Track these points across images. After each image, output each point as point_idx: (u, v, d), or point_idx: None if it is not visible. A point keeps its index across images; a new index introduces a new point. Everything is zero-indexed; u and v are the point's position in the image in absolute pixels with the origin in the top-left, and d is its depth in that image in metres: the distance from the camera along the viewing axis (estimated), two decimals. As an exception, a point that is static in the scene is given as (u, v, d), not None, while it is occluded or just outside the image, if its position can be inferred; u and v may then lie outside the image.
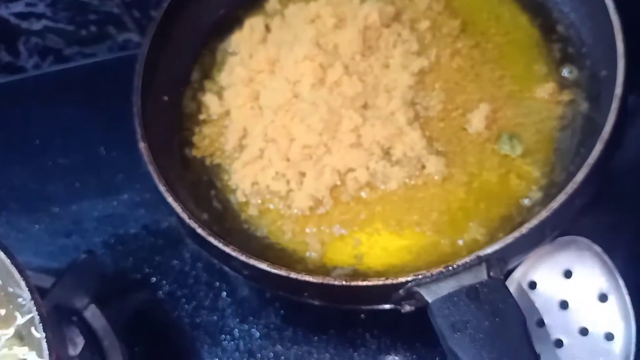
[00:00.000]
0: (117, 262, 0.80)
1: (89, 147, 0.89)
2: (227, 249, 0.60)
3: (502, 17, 0.76)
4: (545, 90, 0.70)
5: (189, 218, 0.62)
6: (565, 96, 0.70)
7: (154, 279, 0.78)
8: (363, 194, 0.68)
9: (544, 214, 0.56)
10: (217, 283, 0.77)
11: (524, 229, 0.56)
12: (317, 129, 0.68)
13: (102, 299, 0.70)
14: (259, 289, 0.74)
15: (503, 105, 0.70)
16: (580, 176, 0.57)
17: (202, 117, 0.77)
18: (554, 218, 0.57)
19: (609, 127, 0.59)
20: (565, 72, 0.72)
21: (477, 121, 0.69)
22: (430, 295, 0.55)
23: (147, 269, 0.79)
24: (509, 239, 0.56)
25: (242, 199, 0.71)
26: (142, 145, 0.66)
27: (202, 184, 0.73)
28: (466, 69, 0.72)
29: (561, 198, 0.56)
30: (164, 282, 0.78)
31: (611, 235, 0.64)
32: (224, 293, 0.76)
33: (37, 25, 0.97)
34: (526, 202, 0.65)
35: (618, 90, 0.61)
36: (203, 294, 0.76)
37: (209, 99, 0.76)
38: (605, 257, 0.60)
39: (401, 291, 0.57)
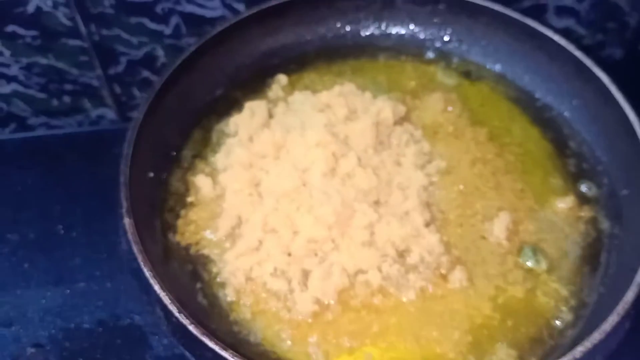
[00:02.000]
0: (63, 363, 0.66)
1: (45, 223, 0.77)
2: (225, 354, 0.49)
3: (514, 128, 0.74)
4: (565, 204, 0.67)
5: (179, 312, 0.52)
6: (586, 212, 0.67)
7: (106, 387, 0.65)
8: (375, 301, 0.59)
9: (597, 336, 0.49)
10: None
11: (578, 353, 0.49)
12: (327, 222, 0.61)
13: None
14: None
15: (524, 217, 0.66)
16: (630, 296, 0.51)
17: (190, 199, 0.68)
18: (606, 342, 0.50)
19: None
20: (583, 188, 0.69)
21: (497, 230, 0.64)
22: None
23: (100, 374, 0.66)
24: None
25: (233, 296, 0.61)
26: (126, 221, 0.56)
27: (185, 275, 0.63)
28: (487, 175, 0.68)
29: (613, 319, 0.50)
30: (119, 392, 0.65)
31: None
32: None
33: (4, 89, 0.88)
34: (558, 323, 0.59)
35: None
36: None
37: (201, 181, 0.68)
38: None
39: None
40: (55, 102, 0.90)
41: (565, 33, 0.73)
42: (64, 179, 0.82)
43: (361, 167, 0.64)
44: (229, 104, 0.76)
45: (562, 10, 0.84)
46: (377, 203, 0.64)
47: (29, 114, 0.91)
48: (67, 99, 0.90)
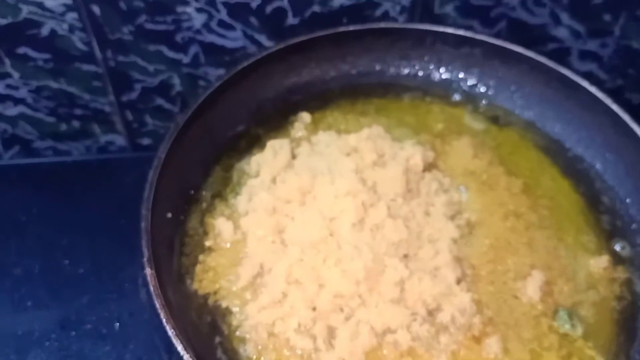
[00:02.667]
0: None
1: (50, 257, 0.74)
2: None
3: (544, 179, 0.72)
4: (599, 264, 0.64)
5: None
6: (621, 273, 0.64)
7: None
8: (405, 364, 0.56)
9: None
10: None
11: None
12: (355, 277, 0.58)
13: None
14: None
15: (558, 276, 0.63)
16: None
17: (208, 243, 0.65)
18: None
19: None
20: (617, 247, 0.66)
21: (531, 290, 0.61)
22: None
23: None
24: None
25: (254, 353, 0.58)
26: (149, 272, 0.53)
27: (204, 327, 0.59)
28: (520, 230, 0.65)
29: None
30: None
31: None
32: None
33: (11, 111, 0.84)
34: (596, 395, 0.56)
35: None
36: None
37: (222, 224, 0.65)
38: None
39: None
40: (63, 127, 0.87)
41: (587, 77, 0.71)
42: (71, 209, 0.79)
43: (391, 218, 0.62)
44: (251, 141, 0.73)
45: (585, 55, 0.83)
46: (406, 257, 0.61)
47: (34, 137, 0.88)
48: (76, 123, 0.87)
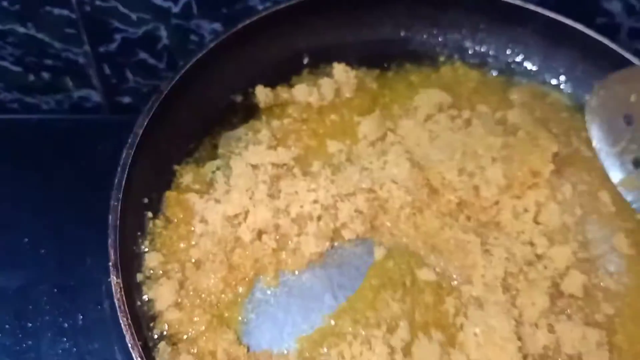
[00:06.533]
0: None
1: (8, 233, 0.64)
2: None
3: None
4: None
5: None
6: None
7: None
8: None
9: None
10: None
11: None
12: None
13: None
14: None
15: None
16: None
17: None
18: None
19: None
20: None
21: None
22: None
23: None
24: None
25: None
26: (114, 281, 0.43)
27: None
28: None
29: None
30: None
31: None
32: None
33: (-29, 58, 0.73)
34: None
35: None
36: None
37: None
38: None
39: None
40: (31, 78, 0.77)
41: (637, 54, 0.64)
42: (35, 177, 0.69)
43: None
44: (248, 113, 0.64)
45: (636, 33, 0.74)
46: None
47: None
48: (45, 75, 0.78)
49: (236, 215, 0.53)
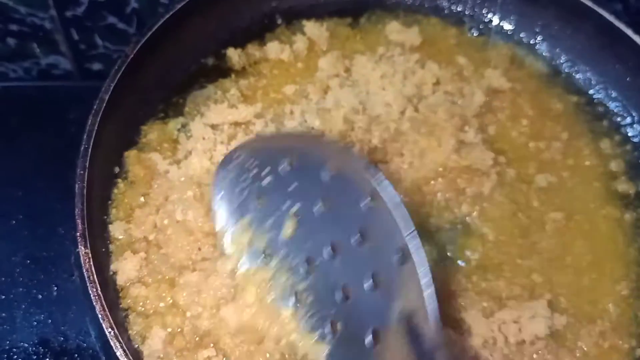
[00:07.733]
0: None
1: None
2: None
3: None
4: None
5: None
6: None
7: None
8: None
9: None
10: None
11: None
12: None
13: None
14: None
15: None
16: None
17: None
18: None
19: None
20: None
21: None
22: None
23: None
24: None
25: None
26: (82, 251, 0.42)
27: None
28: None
29: None
30: None
31: None
32: None
33: None
34: None
35: None
36: None
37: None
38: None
39: None
40: None
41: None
42: (3, 146, 0.67)
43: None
44: (218, 75, 0.62)
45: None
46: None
47: (-39, 56, 0.75)
48: (11, 41, 0.75)
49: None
